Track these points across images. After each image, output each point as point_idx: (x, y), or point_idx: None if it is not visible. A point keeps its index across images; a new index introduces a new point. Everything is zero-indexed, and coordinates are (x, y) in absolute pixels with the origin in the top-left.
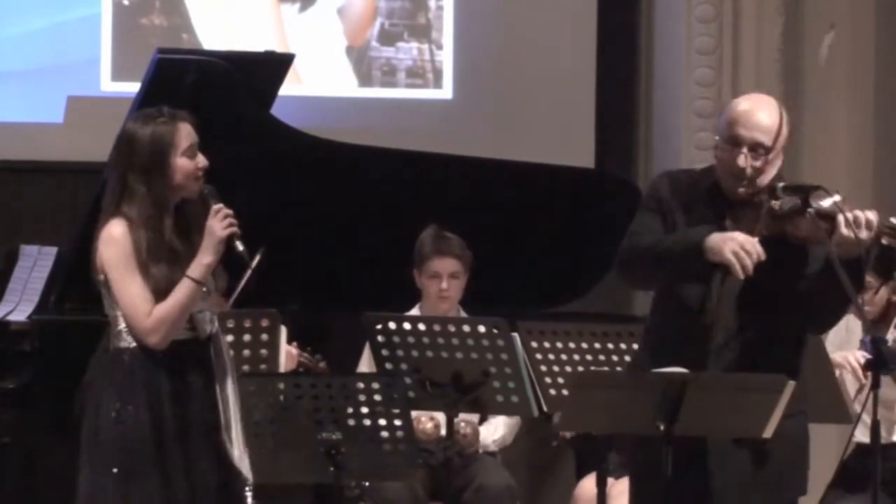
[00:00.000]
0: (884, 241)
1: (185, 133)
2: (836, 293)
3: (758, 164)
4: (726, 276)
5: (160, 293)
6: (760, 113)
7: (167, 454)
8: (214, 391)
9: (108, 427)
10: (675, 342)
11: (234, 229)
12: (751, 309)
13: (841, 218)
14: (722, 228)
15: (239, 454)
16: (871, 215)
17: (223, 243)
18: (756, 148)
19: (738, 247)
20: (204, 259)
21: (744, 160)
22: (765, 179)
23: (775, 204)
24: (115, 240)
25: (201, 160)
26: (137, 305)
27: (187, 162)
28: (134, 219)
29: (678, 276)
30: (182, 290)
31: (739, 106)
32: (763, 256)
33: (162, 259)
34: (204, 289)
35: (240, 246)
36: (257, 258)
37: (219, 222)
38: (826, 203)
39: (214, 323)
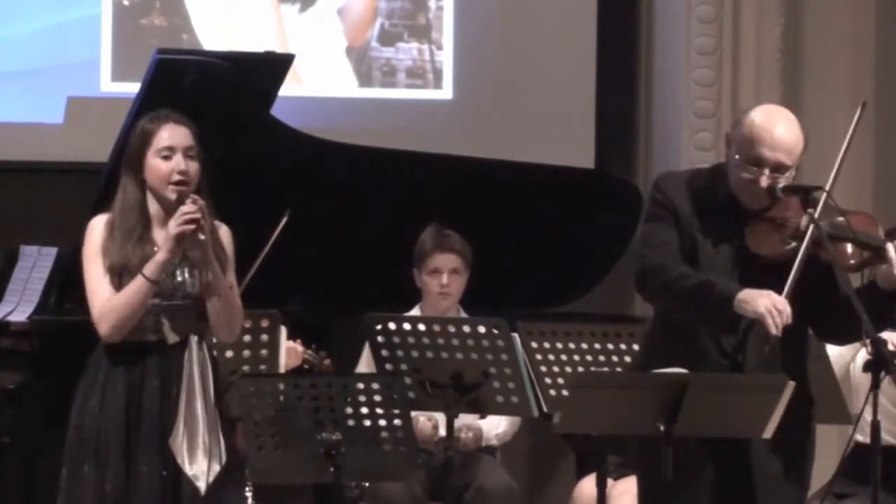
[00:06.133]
0: None
1: (167, 134)
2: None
3: (780, 183)
4: (751, 327)
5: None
6: (783, 132)
7: (109, 454)
8: (174, 397)
9: (76, 422)
10: (690, 354)
11: (185, 228)
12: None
13: (891, 249)
14: (740, 243)
15: (187, 462)
16: None
17: (174, 241)
18: (779, 168)
19: (771, 304)
20: (158, 256)
21: (766, 181)
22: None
23: (815, 231)
24: (90, 230)
25: (178, 164)
26: (95, 293)
27: (159, 163)
28: (115, 212)
29: (702, 320)
30: (132, 285)
31: (760, 123)
32: (791, 319)
33: (132, 255)
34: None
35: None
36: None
37: (174, 220)
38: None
39: (191, 334)
